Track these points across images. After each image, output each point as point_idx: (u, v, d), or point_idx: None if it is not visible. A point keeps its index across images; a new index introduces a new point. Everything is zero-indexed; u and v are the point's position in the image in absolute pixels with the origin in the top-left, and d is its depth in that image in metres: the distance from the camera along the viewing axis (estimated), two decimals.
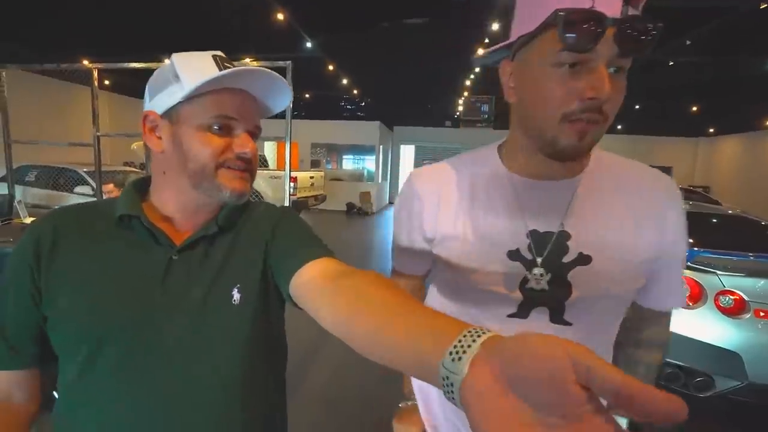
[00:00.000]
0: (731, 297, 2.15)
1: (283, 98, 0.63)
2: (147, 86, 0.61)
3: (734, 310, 2.14)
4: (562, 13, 0.48)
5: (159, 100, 0.58)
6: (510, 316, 0.63)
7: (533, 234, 0.62)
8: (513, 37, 0.57)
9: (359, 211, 11.84)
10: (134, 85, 11.56)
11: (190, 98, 0.56)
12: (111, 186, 3.60)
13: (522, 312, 0.63)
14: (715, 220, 3.16)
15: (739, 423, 2.43)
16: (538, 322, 0.63)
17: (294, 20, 7.57)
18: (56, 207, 0.64)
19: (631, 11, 0.49)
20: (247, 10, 6.98)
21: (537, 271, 0.61)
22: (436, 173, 0.70)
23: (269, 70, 0.57)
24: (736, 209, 3.73)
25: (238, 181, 0.59)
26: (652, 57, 8.21)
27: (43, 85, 8.02)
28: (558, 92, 0.52)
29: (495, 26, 7.15)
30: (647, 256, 0.62)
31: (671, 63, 8.54)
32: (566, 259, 0.60)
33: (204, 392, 0.55)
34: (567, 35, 0.48)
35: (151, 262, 0.57)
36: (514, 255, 0.62)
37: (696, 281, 2.23)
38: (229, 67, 0.56)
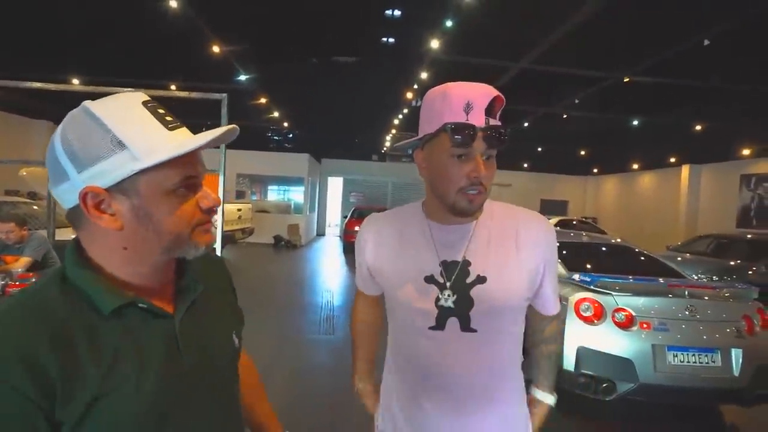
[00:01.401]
0: (623, 313, 2.58)
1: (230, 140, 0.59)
2: (64, 154, 0.50)
3: (626, 324, 2.57)
4: (450, 125, 0.75)
5: (98, 173, 0.49)
6: (431, 328, 0.83)
7: (444, 263, 0.84)
8: (420, 134, 0.83)
9: (287, 244, 11.52)
10: (23, 103, 10.12)
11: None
12: (12, 225, 2.82)
13: (439, 324, 0.83)
14: (605, 249, 3.76)
15: (635, 420, 2.84)
16: (452, 330, 0.82)
17: (225, 51, 7.44)
18: None
19: (491, 122, 0.76)
20: (175, 38, 6.69)
21: (446, 292, 0.82)
22: (379, 220, 0.94)
23: (235, 127, 0.56)
24: (618, 238, 4.45)
25: (208, 234, 0.58)
26: (552, 111, 9.95)
27: None
28: (453, 175, 0.78)
29: (424, 75, 7.82)
30: (530, 271, 0.84)
31: (565, 116, 10.58)
32: (468, 280, 0.82)
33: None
34: (454, 138, 0.75)
35: (159, 338, 0.55)
36: (429, 279, 0.84)
37: (598, 302, 2.64)
38: (163, 114, 0.53)
